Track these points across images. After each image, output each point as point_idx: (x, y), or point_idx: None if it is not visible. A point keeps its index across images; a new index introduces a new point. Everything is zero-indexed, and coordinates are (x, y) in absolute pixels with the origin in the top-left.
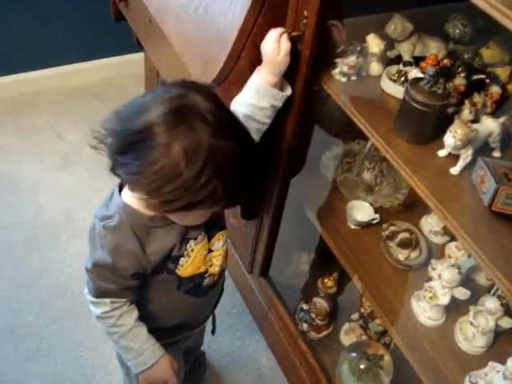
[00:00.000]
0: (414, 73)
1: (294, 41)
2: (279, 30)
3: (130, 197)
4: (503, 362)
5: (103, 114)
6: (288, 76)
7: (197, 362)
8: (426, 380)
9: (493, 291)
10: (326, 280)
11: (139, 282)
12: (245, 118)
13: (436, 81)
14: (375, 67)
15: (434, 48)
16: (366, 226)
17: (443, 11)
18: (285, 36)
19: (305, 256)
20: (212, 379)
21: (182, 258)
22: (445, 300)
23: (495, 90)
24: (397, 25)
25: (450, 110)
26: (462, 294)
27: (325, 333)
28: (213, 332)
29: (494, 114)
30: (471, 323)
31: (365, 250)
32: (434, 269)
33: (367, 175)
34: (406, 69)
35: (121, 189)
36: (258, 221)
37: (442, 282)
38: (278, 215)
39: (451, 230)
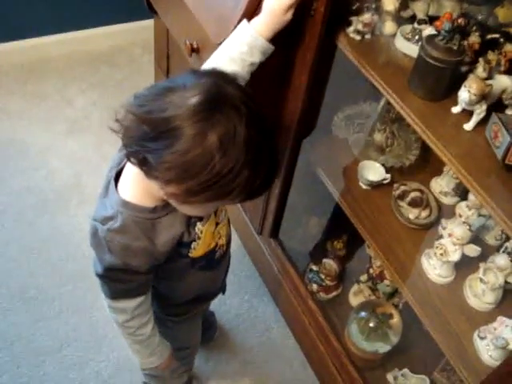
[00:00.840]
0: (428, 31)
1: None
2: None
3: (128, 191)
4: None
5: (112, 80)
6: (302, 33)
7: (207, 323)
8: (436, 335)
9: (502, 249)
10: (335, 242)
11: (153, 273)
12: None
13: (451, 37)
14: (389, 26)
15: (449, 7)
16: (377, 185)
17: None
18: None
19: (314, 219)
20: (221, 340)
21: (193, 243)
22: (455, 256)
23: (509, 48)
24: None
25: (464, 68)
26: (473, 250)
27: (334, 293)
28: (223, 292)
29: (508, 72)
30: (481, 280)
31: (376, 210)
32: (444, 228)
33: (378, 136)
34: (421, 27)
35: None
36: None
37: (453, 238)
38: (289, 176)
39: (464, 182)
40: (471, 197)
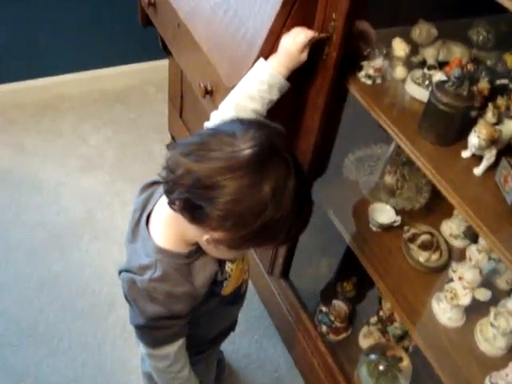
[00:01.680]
0: (438, 76)
1: (321, 42)
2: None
3: (162, 237)
4: None
5: (126, 118)
6: (315, 77)
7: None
8: (447, 380)
9: None
10: (345, 284)
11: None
12: (253, 113)
13: (461, 83)
14: (400, 71)
15: (458, 53)
16: (388, 228)
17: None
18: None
19: (325, 260)
20: (230, 380)
21: (225, 281)
22: (466, 300)
23: None
24: (422, 30)
25: (474, 114)
26: (483, 294)
27: (343, 335)
28: (233, 328)
29: None
30: (492, 324)
31: (386, 252)
32: (454, 271)
33: (389, 179)
34: (431, 72)
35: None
36: None
37: (463, 282)
38: None
39: (474, 227)
40: (481, 240)
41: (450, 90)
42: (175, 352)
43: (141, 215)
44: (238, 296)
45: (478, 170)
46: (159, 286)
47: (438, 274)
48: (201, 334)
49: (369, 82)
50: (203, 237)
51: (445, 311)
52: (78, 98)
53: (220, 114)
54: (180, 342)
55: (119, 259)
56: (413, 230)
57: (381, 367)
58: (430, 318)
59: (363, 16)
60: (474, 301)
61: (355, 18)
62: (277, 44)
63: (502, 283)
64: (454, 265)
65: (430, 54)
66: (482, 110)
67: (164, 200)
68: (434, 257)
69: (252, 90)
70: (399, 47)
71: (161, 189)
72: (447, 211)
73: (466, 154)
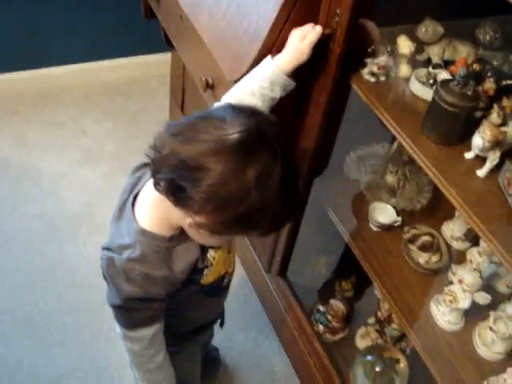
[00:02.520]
0: (443, 75)
1: (325, 39)
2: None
3: (145, 218)
4: None
5: (127, 111)
6: (317, 73)
7: (210, 358)
8: (444, 383)
9: None
10: (343, 283)
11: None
12: None
13: (466, 82)
14: (404, 69)
15: (464, 52)
16: (388, 228)
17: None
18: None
19: (323, 258)
20: (225, 377)
21: (205, 269)
22: (465, 304)
23: None
24: (428, 27)
25: (478, 114)
26: (483, 298)
27: (340, 335)
28: (221, 325)
29: None
30: (491, 329)
31: (386, 253)
32: (454, 273)
33: (390, 178)
34: (436, 71)
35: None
36: None
37: (463, 285)
38: (299, 214)
39: (476, 230)
40: (483, 243)
41: (455, 90)
42: (150, 336)
43: (129, 196)
44: (219, 287)
45: (482, 172)
46: (136, 267)
47: (437, 276)
48: (180, 322)
49: (372, 79)
50: (186, 220)
51: (443, 314)
52: (79, 89)
53: None
54: (155, 327)
55: None
56: (413, 231)
57: (377, 368)
58: (428, 321)
59: (368, 12)
60: (474, 304)
61: (359, 14)
62: (280, 38)
63: (502, 287)
64: (453, 267)
65: (435, 52)
66: (487, 110)
67: (152, 182)
68: (434, 258)
69: (254, 86)
70: (404, 45)
71: None
72: (449, 212)
73: (469, 155)
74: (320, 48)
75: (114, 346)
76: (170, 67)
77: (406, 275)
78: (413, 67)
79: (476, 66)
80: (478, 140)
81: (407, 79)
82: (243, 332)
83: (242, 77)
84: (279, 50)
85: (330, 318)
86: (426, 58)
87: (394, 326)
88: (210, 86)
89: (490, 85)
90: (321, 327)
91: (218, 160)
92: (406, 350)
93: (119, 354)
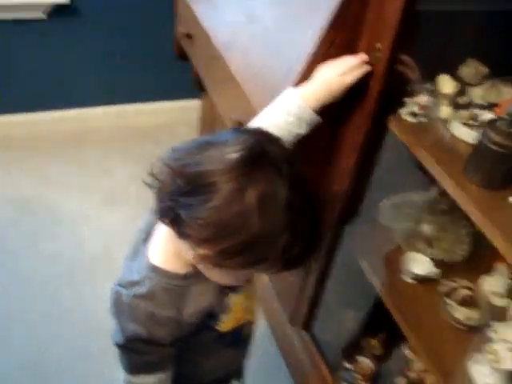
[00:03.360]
0: (487, 116)
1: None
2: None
3: (158, 255)
4: None
5: (154, 156)
6: (352, 112)
7: None
8: None
9: None
10: (371, 340)
11: (177, 347)
12: None
13: None
14: (445, 110)
15: (508, 94)
16: (423, 280)
17: None
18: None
19: (350, 312)
20: None
21: (222, 315)
22: (510, 364)
23: None
24: (470, 68)
25: None
26: None
27: None
28: (239, 377)
29: None
30: None
31: (420, 306)
32: (495, 331)
33: (426, 228)
34: (480, 112)
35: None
36: (305, 268)
37: (508, 344)
38: (327, 263)
39: None
40: None
41: (503, 129)
42: None
43: (144, 235)
44: (238, 338)
45: None
46: (142, 304)
47: (476, 333)
48: (192, 374)
49: (412, 120)
50: (190, 253)
51: (484, 375)
52: (106, 131)
53: None
54: (161, 375)
55: None
56: (451, 284)
57: None
58: (468, 382)
59: (408, 47)
60: None
61: (400, 49)
62: None
63: None
64: (495, 325)
65: (477, 93)
66: None
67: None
68: (474, 314)
69: (279, 120)
70: (447, 84)
71: None
72: (489, 266)
73: None
74: (357, 84)
75: None
76: (201, 112)
77: (443, 331)
78: (454, 109)
79: None
80: None
81: (447, 121)
82: None
83: None
84: None
85: (356, 375)
86: (467, 102)
87: None
88: (241, 126)
89: None
90: None
91: (214, 182)
92: None
93: None
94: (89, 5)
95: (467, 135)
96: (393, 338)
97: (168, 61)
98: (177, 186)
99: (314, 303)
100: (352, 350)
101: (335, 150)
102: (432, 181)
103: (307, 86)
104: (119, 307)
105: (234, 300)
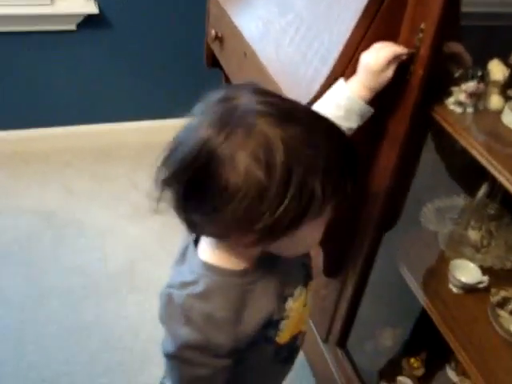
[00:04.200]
0: None
1: (404, 60)
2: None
3: (210, 253)
4: None
5: None
6: (394, 102)
7: None
8: None
9: None
10: (412, 360)
11: (233, 361)
12: None
13: None
14: (495, 100)
15: None
16: (472, 289)
17: None
18: (393, 49)
19: (389, 329)
20: None
21: (282, 322)
22: None
23: None
24: None
25: None
26: None
27: None
28: None
29: None
30: None
31: (469, 318)
32: None
33: (473, 234)
34: None
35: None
36: (340, 280)
37: None
38: (365, 274)
39: None
40: None
41: None
42: None
43: (194, 237)
44: (292, 350)
45: None
46: (196, 305)
47: None
48: None
49: (458, 109)
50: (243, 240)
51: None
52: (135, 146)
53: None
54: None
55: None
56: (503, 294)
57: None
58: None
59: (454, 29)
60: None
61: (446, 31)
62: (353, 60)
63: None
64: None
65: None
66: None
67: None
68: None
69: (329, 115)
70: (497, 69)
71: None
72: None
73: None
74: (398, 71)
75: None
76: None
77: (495, 345)
78: (505, 99)
79: None
80: None
81: (499, 112)
82: None
83: (310, 102)
84: (354, 72)
85: None
86: None
87: None
88: None
89: None
90: None
91: (202, 167)
92: None
93: None
94: (119, 15)
95: None
96: (435, 357)
97: (199, 76)
98: (177, 187)
99: (350, 318)
100: (391, 369)
101: (375, 146)
102: (479, 182)
103: (354, 76)
104: (170, 310)
105: (292, 305)
